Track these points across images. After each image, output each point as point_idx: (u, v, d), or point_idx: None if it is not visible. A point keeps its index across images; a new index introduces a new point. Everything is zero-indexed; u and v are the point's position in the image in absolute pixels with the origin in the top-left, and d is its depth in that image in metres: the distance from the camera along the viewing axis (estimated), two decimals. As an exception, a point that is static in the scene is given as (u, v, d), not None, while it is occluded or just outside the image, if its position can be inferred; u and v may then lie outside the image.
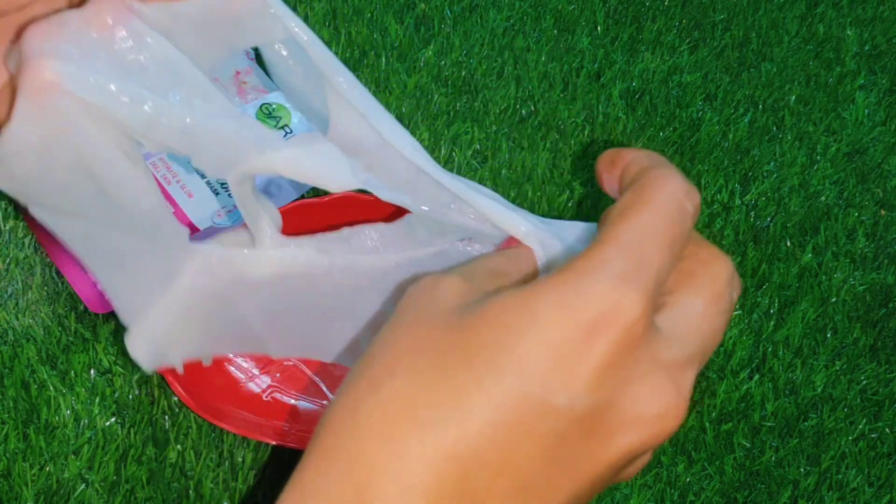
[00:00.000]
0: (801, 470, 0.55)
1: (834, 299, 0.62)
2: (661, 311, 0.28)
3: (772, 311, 0.60)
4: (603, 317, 0.25)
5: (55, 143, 0.23)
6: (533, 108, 0.67)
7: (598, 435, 0.26)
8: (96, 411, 0.51)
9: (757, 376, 0.58)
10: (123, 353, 0.53)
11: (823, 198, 0.67)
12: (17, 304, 0.55)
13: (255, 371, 0.53)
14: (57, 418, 0.51)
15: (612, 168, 0.32)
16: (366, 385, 0.27)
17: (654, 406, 0.26)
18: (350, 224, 0.34)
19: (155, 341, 0.28)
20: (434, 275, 0.29)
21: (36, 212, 0.25)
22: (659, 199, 0.28)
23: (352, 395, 0.27)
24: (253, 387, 0.53)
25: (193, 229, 0.57)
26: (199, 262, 0.29)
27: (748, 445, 0.55)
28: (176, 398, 0.52)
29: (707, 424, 0.55)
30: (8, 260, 0.56)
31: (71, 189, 0.24)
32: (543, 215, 0.64)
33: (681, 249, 0.28)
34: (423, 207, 0.31)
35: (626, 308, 0.25)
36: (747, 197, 0.66)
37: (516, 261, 0.31)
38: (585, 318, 0.25)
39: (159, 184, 0.58)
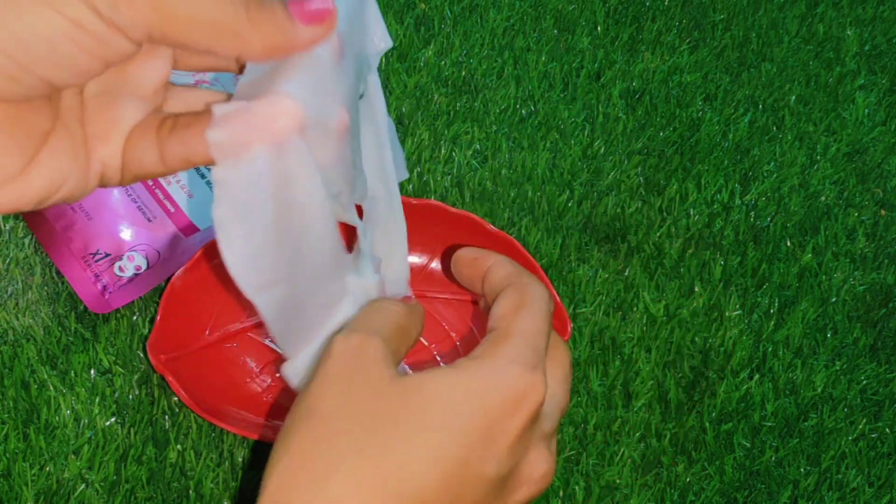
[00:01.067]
0: (802, 470, 0.55)
1: (834, 299, 0.62)
2: None
3: (772, 311, 0.60)
4: (521, 397, 0.31)
5: (283, 185, 0.26)
6: (533, 108, 0.67)
7: (504, 493, 0.32)
8: (96, 411, 0.51)
9: (757, 376, 0.58)
10: (123, 353, 0.53)
11: (823, 198, 0.67)
12: (17, 304, 0.55)
13: (256, 371, 0.53)
14: (57, 418, 0.51)
15: (475, 266, 0.39)
16: (300, 449, 0.30)
17: (541, 469, 0.34)
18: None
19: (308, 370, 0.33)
20: (356, 337, 0.32)
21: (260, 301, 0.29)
22: (538, 302, 0.35)
23: (288, 458, 0.30)
24: (253, 387, 0.53)
25: (193, 229, 0.57)
26: (353, 296, 0.35)
27: (748, 445, 0.55)
28: (176, 398, 0.52)
29: (707, 424, 0.55)
30: (8, 260, 0.56)
31: (276, 248, 0.27)
32: (543, 215, 0.64)
33: (548, 340, 0.35)
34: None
35: (536, 390, 0.32)
36: (747, 197, 0.66)
37: (416, 317, 0.37)
38: (509, 398, 0.31)
39: (159, 184, 0.58)
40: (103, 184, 0.30)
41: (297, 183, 0.27)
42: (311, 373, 0.34)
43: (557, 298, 0.54)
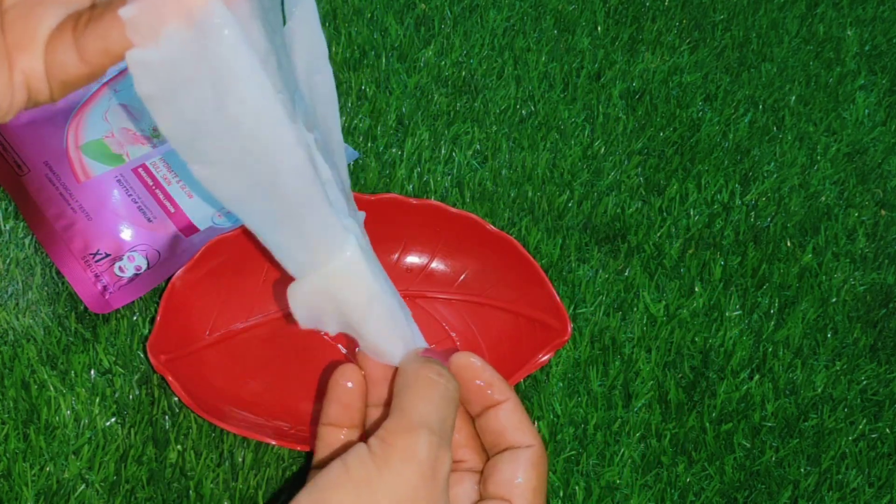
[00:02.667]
0: (802, 470, 0.55)
1: (834, 299, 0.62)
2: None
3: (772, 311, 0.60)
4: None
5: (202, 69, 0.22)
6: (533, 109, 0.67)
7: None
8: (96, 411, 0.51)
9: (757, 376, 0.58)
10: (123, 353, 0.53)
11: (824, 198, 0.67)
12: (17, 304, 0.55)
13: (256, 371, 0.53)
14: (57, 418, 0.51)
15: (481, 393, 0.40)
16: None
17: None
18: None
19: (313, 307, 0.30)
20: (439, 448, 0.33)
21: (196, 170, 0.25)
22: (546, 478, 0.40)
23: None
24: (253, 387, 0.53)
25: (193, 229, 0.57)
26: (352, 248, 0.31)
27: (748, 445, 0.55)
28: (176, 398, 0.52)
29: (707, 424, 0.55)
30: (8, 260, 0.56)
31: (214, 133, 0.23)
32: (543, 215, 0.64)
33: None
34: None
35: None
36: (747, 197, 0.66)
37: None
38: None
39: (159, 184, 0.58)
40: (34, 99, 0.28)
41: (228, 67, 0.23)
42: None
43: (557, 299, 0.54)
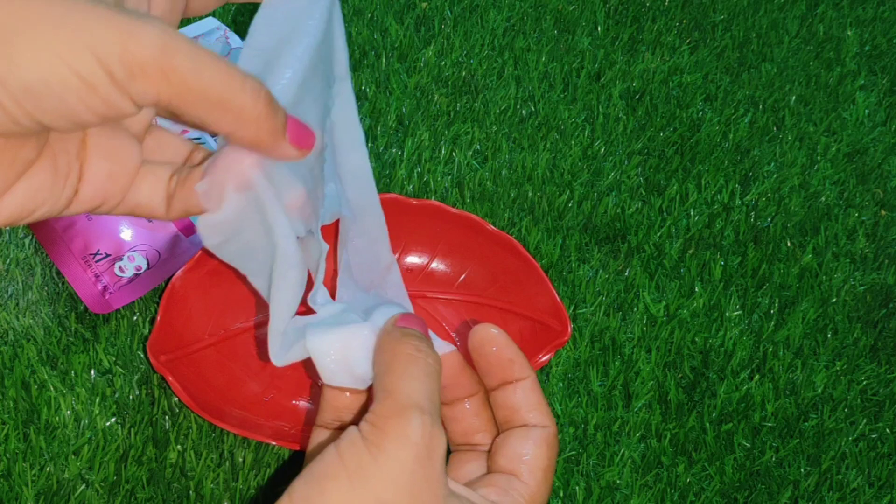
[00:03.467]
0: (802, 470, 0.55)
1: (834, 300, 0.62)
2: None
3: (772, 311, 0.60)
4: None
5: (250, 219, 0.31)
6: (533, 109, 0.67)
7: None
8: (96, 412, 0.51)
9: (757, 377, 0.58)
10: (124, 353, 0.53)
11: (824, 198, 0.67)
12: (17, 304, 0.55)
13: (256, 371, 0.53)
14: (57, 419, 0.51)
15: (503, 366, 0.40)
16: None
17: None
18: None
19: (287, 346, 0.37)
20: (432, 427, 0.33)
21: (249, 278, 0.35)
22: (548, 486, 0.39)
23: None
24: (253, 387, 0.53)
25: (193, 230, 0.57)
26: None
27: (748, 446, 0.55)
28: (176, 398, 0.52)
29: (707, 425, 0.55)
30: (8, 260, 0.56)
31: (258, 252, 0.33)
32: (543, 215, 0.64)
33: None
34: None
35: None
36: (747, 197, 0.66)
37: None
38: None
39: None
40: (95, 212, 0.32)
41: (265, 216, 0.31)
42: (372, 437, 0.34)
43: (558, 299, 0.54)
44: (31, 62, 0.24)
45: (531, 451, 0.38)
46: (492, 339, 0.39)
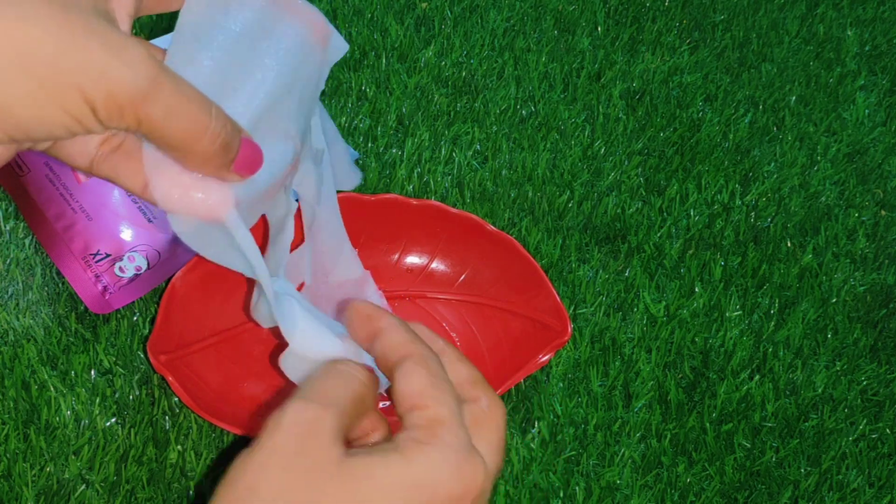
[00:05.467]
0: (802, 470, 0.55)
1: (834, 300, 0.62)
2: None
3: (772, 311, 0.60)
4: (466, 486, 0.33)
5: (210, 236, 0.33)
6: (533, 109, 0.67)
7: None
8: (97, 412, 0.51)
9: (757, 377, 0.58)
10: (124, 353, 0.53)
11: (824, 198, 0.67)
12: (17, 304, 0.55)
13: (256, 371, 0.53)
14: (57, 419, 0.51)
15: (367, 324, 0.38)
16: None
17: None
18: None
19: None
20: (311, 410, 0.33)
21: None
22: (442, 372, 0.36)
23: None
24: (253, 387, 0.53)
25: (194, 230, 0.57)
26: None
27: (749, 446, 0.55)
28: (176, 398, 0.52)
29: (707, 425, 0.55)
30: (8, 260, 0.56)
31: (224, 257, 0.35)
32: (544, 215, 0.64)
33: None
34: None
35: (478, 474, 0.33)
36: (748, 197, 0.66)
37: (372, 388, 0.37)
38: (455, 490, 0.33)
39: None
40: (24, 149, 0.33)
41: (236, 242, 0.34)
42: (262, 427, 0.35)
43: (558, 299, 0.54)
44: (27, 106, 0.26)
45: (405, 381, 0.36)
46: (352, 308, 0.39)
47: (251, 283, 0.41)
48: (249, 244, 0.34)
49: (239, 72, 0.33)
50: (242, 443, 0.51)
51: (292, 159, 0.36)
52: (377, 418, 0.40)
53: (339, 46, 0.37)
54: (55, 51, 0.26)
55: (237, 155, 0.31)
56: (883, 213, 0.66)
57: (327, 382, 0.35)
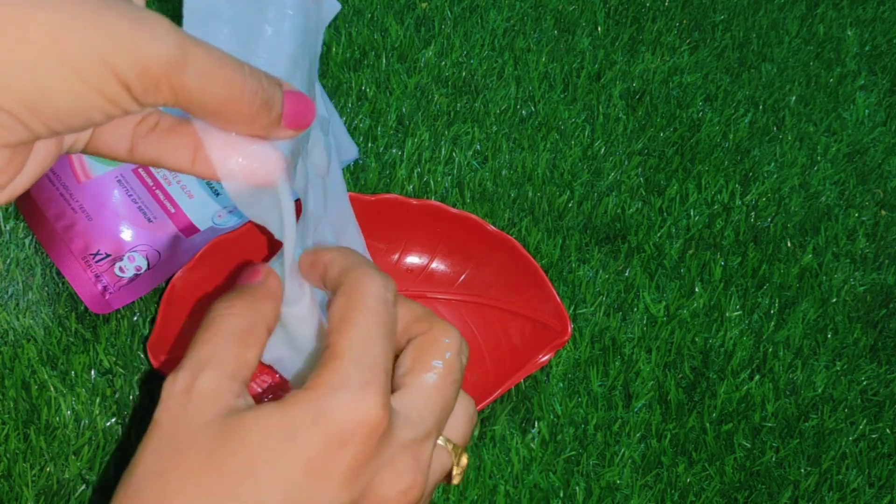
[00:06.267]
0: (802, 470, 0.55)
1: (834, 300, 0.62)
2: (399, 392, 0.33)
3: (772, 311, 0.60)
4: (346, 428, 0.30)
5: (259, 199, 0.32)
6: (533, 109, 0.68)
7: None
8: (97, 412, 0.51)
9: (757, 377, 0.58)
10: (124, 353, 0.53)
11: (824, 198, 0.67)
12: (17, 304, 0.55)
13: (256, 371, 0.53)
14: (57, 419, 0.51)
15: (313, 269, 0.36)
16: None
17: (399, 485, 0.31)
18: None
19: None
20: (184, 375, 0.32)
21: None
22: (367, 303, 0.32)
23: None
24: (253, 387, 0.53)
25: (193, 230, 0.57)
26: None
27: (748, 446, 0.55)
28: (176, 399, 0.52)
29: (707, 425, 0.55)
30: (8, 260, 0.56)
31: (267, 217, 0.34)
32: (544, 215, 0.64)
33: (394, 334, 0.33)
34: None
35: (370, 414, 0.30)
36: (748, 197, 0.66)
37: (255, 308, 0.34)
38: (332, 433, 0.30)
39: (159, 184, 0.58)
40: (66, 153, 0.32)
41: (280, 202, 0.33)
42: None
43: (558, 299, 0.54)
44: (63, 92, 0.26)
45: (329, 316, 0.33)
46: (300, 260, 0.36)
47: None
48: (290, 210, 0.33)
49: (256, 38, 0.32)
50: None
51: (317, 122, 0.35)
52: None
53: (332, 6, 0.37)
54: (84, 34, 0.25)
55: (284, 109, 0.30)
56: (883, 213, 0.66)
57: (198, 342, 0.32)
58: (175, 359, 0.51)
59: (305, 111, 0.31)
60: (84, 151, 0.32)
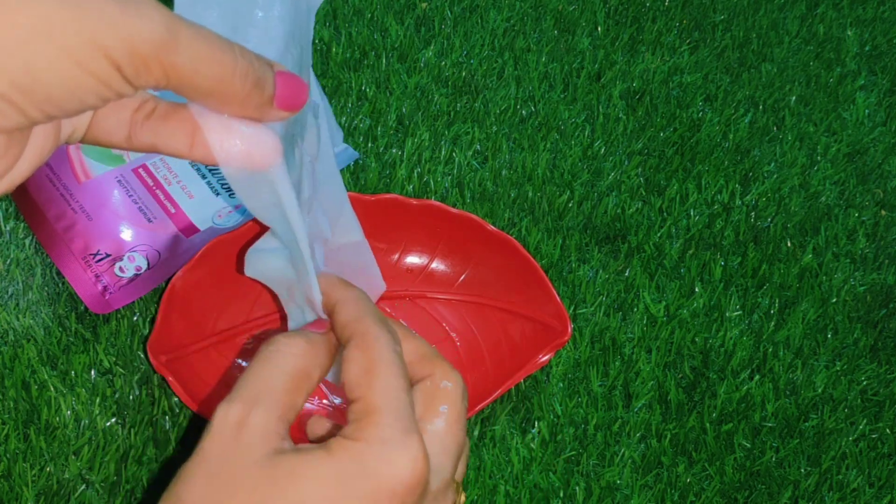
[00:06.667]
0: (802, 470, 0.55)
1: (834, 300, 0.62)
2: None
3: (772, 311, 0.60)
4: (396, 480, 0.31)
5: (258, 187, 0.33)
6: (533, 109, 0.67)
7: None
8: (97, 412, 0.51)
9: (757, 377, 0.58)
10: (124, 353, 0.53)
11: (824, 198, 0.67)
12: (17, 304, 0.55)
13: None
14: (57, 419, 0.51)
15: (325, 297, 0.38)
16: None
17: None
18: None
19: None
20: (235, 410, 0.32)
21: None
22: (387, 356, 0.34)
23: None
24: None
25: (193, 230, 0.57)
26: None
27: (749, 446, 0.55)
28: (176, 399, 0.52)
29: (707, 425, 0.55)
30: (8, 260, 0.56)
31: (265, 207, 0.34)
32: (544, 215, 0.64)
33: (409, 384, 0.34)
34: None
35: (416, 467, 0.32)
36: (748, 197, 0.66)
37: (320, 351, 0.36)
38: (383, 486, 0.31)
39: (160, 184, 0.58)
40: (65, 143, 0.32)
41: (277, 187, 0.33)
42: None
43: (558, 299, 0.54)
44: (53, 74, 0.26)
45: (345, 369, 0.34)
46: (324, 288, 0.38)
47: (252, 282, 0.40)
48: (289, 192, 0.33)
49: (246, 22, 0.32)
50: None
51: (309, 107, 0.35)
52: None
53: None
54: (73, 15, 0.25)
55: (276, 90, 0.30)
56: (883, 213, 0.66)
57: (253, 373, 0.34)
58: (175, 359, 0.51)
59: (298, 92, 0.31)
60: (83, 141, 0.32)
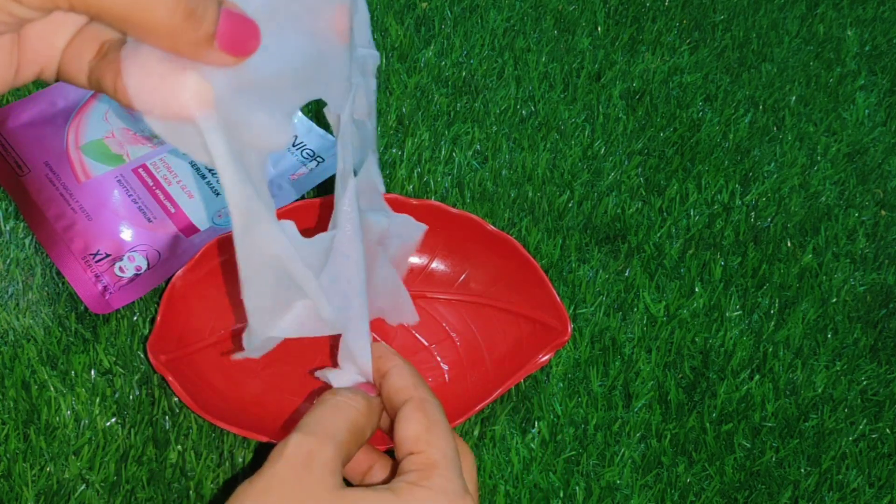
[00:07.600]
0: (802, 470, 0.55)
1: (834, 300, 0.62)
2: None
3: (772, 311, 0.60)
4: None
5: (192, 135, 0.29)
6: (533, 109, 0.67)
7: None
8: (97, 412, 0.51)
9: (757, 377, 0.58)
10: (124, 353, 0.53)
11: (824, 198, 0.67)
12: (17, 304, 0.55)
13: (256, 371, 0.53)
14: (57, 419, 0.51)
15: (376, 363, 0.42)
16: None
17: None
18: None
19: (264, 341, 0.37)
20: (310, 442, 0.36)
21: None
22: (441, 420, 0.39)
23: None
24: (253, 387, 0.53)
25: (193, 230, 0.57)
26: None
27: (748, 446, 0.55)
28: (176, 398, 0.52)
29: (707, 425, 0.55)
30: (8, 260, 0.56)
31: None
32: (543, 215, 0.64)
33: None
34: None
35: None
36: (748, 197, 0.66)
37: (374, 413, 0.40)
38: None
39: (160, 184, 0.58)
40: (39, 79, 0.32)
41: (207, 142, 0.29)
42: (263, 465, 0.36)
43: (558, 299, 0.54)
44: None
45: (404, 426, 0.39)
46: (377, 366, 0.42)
47: None
48: (222, 153, 0.29)
49: None
50: (243, 443, 0.51)
51: (313, 60, 0.31)
52: (377, 456, 0.43)
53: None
54: None
55: (218, 27, 0.27)
56: (883, 213, 0.66)
57: (326, 414, 0.38)
58: (175, 359, 0.51)
59: (246, 35, 0.27)
60: (57, 79, 0.31)
